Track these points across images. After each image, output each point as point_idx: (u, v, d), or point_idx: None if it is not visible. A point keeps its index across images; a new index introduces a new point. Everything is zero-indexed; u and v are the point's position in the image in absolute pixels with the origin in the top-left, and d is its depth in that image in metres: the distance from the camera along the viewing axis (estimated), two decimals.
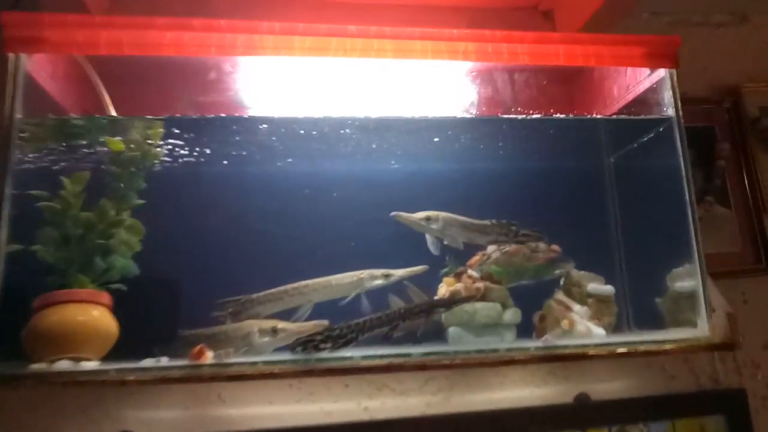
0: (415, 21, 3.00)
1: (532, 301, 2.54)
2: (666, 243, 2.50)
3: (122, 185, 2.11)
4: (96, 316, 1.98)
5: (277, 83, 2.67)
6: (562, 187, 2.81)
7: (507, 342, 2.40)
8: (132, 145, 2.14)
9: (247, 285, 2.44)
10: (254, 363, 1.92)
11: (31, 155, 2.13)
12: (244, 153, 2.60)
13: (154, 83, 2.54)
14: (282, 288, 2.35)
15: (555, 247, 2.56)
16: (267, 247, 2.61)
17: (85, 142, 2.20)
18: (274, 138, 2.57)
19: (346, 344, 2.08)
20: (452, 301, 2.33)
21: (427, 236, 2.42)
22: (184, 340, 2.29)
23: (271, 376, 1.92)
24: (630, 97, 2.66)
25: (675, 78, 2.45)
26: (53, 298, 1.95)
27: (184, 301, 2.41)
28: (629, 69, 2.69)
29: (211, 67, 2.54)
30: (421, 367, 2.00)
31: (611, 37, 2.48)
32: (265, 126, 2.52)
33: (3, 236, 1.94)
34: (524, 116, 2.56)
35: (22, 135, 2.01)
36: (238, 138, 2.52)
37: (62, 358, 1.87)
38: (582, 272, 2.55)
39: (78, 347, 1.90)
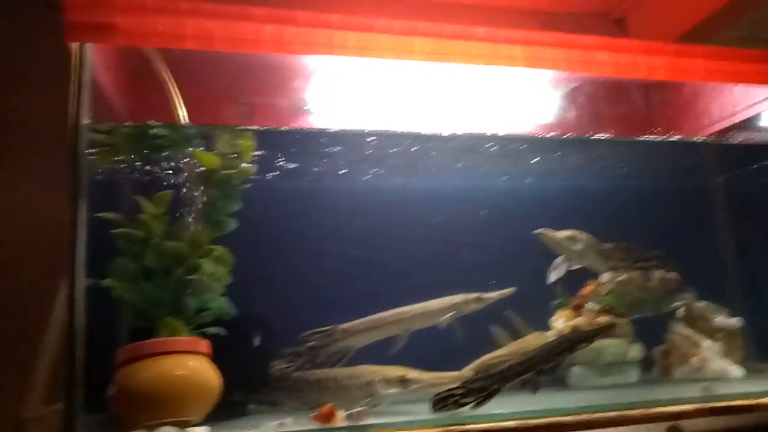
0: (482, 22, 2.72)
1: (643, 333, 2.31)
2: None
3: (217, 208, 1.73)
4: (197, 369, 1.60)
5: (358, 88, 2.34)
6: (667, 209, 2.60)
7: (630, 380, 2.17)
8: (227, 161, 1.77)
9: (332, 314, 2.12)
10: (397, 425, 1.59)
11: (99, 170, 1.73)
12: (334, 168, 2.26)
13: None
14: (378, 316, 2.05)
15: (673, 274, 2.34)
16: (352, 271, 2.29)
17: (163, 155, 1.81)
18: (367, 151, 2.24)
19: (489, 397, 1.77)
20: (593, 334, 2.04)
21: (560, 259, 2.16)
22: (277, 384, 1.94)
23: None
24: (738, 118, 2.47)
25: None
26: (144, 349, 1.57)
27: (269, 337, 2.04)
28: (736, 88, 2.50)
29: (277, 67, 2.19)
30: (586, 426, 1.71)
31: (725, 50, 2.28)
32: (355, 140, 2.19)
33: (80, 268, 1.55)
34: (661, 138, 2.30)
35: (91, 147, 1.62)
36: (327, 151, 2.18)
37: (164, 423, 1.49)
38: (704, 303, 2.33)
39: (180, 409, 1.53)
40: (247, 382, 1.90)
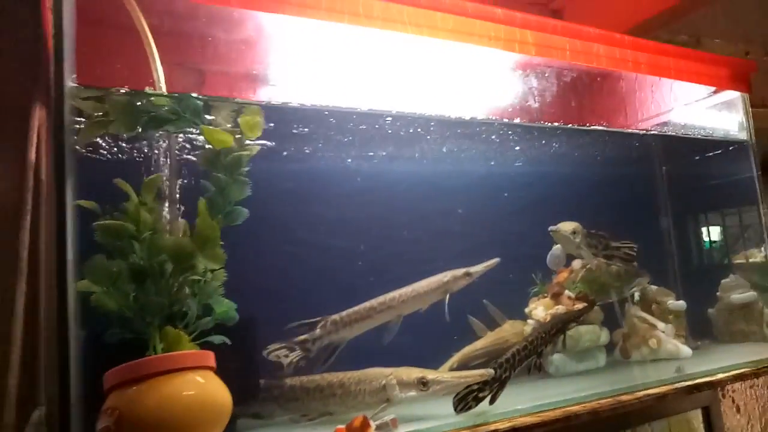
0: None
1: (607, 317, 2.42)
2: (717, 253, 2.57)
3: (226, 196, 1.47)
4: (207, 387, 1.37)
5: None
6: (614, 195, 2.72)
7: (600, 364, 2.28)
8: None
9: (319, 305, 1.96)
10: None
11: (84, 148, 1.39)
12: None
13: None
14: (368, 304, 1.94)
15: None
16: (334, 260, 2.13)
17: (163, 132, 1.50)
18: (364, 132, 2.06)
19: (502, 386, 1.77)
20: (580, 313, 2.12)
21: (555, 250, 2.16)
22: (275, 392, 1.75)
23: None
24: (676, 114, 2.65)
25: (748, 102, 2.48)
26: (146, 368, 1.30)
27: (252, 340, 1.82)
28: (674, 85, 2.67)
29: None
30: (594, 414, 1.75)
31: (680, 50, 2.43)
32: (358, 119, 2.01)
33: (70, 268, 1.24)
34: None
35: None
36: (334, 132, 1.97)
37: None
38: (655, 287, 2.50)
39: None
40: (240, 387, 1.67)
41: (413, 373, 1.67)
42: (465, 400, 1.67)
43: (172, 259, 1.41)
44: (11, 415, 1.19)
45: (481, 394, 1.70)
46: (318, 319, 1.90)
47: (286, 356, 1.83)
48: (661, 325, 2.37)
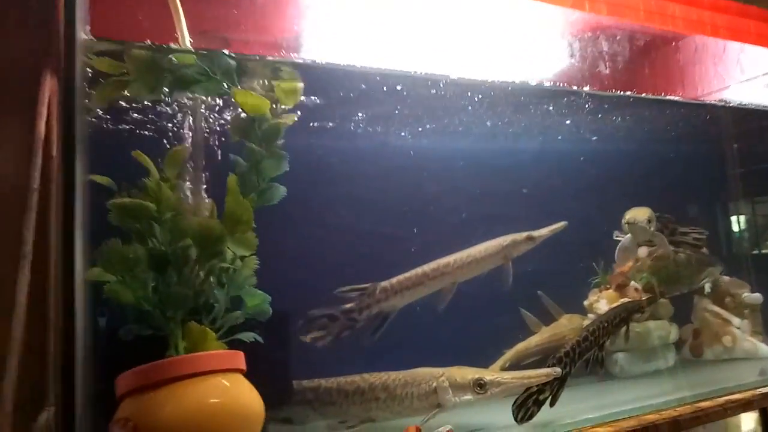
0: None
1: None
2: None
3: (261, 171, 1.27)
4: (235, 393, 1.18)
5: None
6: (681, 175, 2.46)
7: (669, 363, 2.04)
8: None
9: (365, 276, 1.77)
10: None
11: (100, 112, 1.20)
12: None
13: None
14: (420, 270, 1.78)
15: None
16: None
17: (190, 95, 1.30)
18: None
19: (562, 384, 1.56)
20: (646, 303, 1.91)
21: (626, 242, 1.92)
22: (309, 395, 1.56)
23: None
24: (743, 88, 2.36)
25: None
26: (167, 371, 1.12)
27: (283, 336, 1.63)
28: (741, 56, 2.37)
29: None
30: (674, 424, 1.52)
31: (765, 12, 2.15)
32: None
33: (78, 255, 1.06)
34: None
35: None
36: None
37: None
38: (727, 278, 2.24)
39: None
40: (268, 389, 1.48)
41: (468, 373, 1.46)
42: (525, 405, 1.46)
43: (198, 244, 1.22)
44: (6, 418, 1.01)
45: (541, 397, 1.49)
46: (366, 285, 1.73)
47: (325, 328, 1.67)
48: (736, 320, 2.13)
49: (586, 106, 2.02)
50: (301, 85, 1.37)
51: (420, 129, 2.04)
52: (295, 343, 1.64)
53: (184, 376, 1.13)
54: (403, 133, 2.04)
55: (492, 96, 1.88)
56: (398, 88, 1.77)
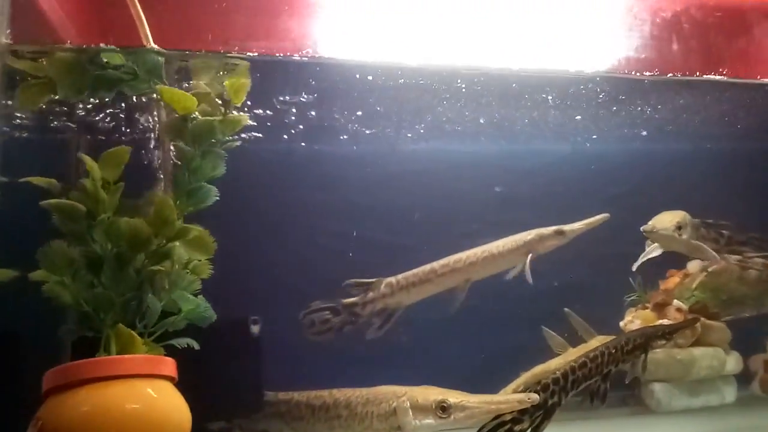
0: None
1: (740, 338, 1.83)
2: None
3: (192, 171, 1.24)
4: (156, 400, 1.14)
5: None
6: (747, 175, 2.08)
7: (727, 400, 1.71)
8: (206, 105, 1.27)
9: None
10: None
11: (26, 115, 1.24)
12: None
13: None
14: (428, 267, 1.68)
15: None
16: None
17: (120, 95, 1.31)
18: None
19: (548, 416, 1.33)
20: (674, 328, 1.60)
21: (650, 250, 1.67)
22: (282, 407, 1.49)
23: None
24: None
25: None
26: (80, 372, 1.10)
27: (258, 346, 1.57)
28: None
29: None
30: None
31: None
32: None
33: None
34: None
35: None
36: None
37: None
38: None
39: None
40: (231, 406, 1.43)
41: (432, 394, 1.31)
42: None
43: (129, 246, 1.21)
44: None
45: (517, 427, 1.28)
46: (371, 280, 1.67)
47: (327, 320, 1.61)
48: None
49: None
50: (248, 80, 1.32)
51: None
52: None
53: (101, 378, 1.11)
54: None
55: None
56: None
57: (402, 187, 1.89)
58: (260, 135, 1.80)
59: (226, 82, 1.33)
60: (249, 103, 1.69)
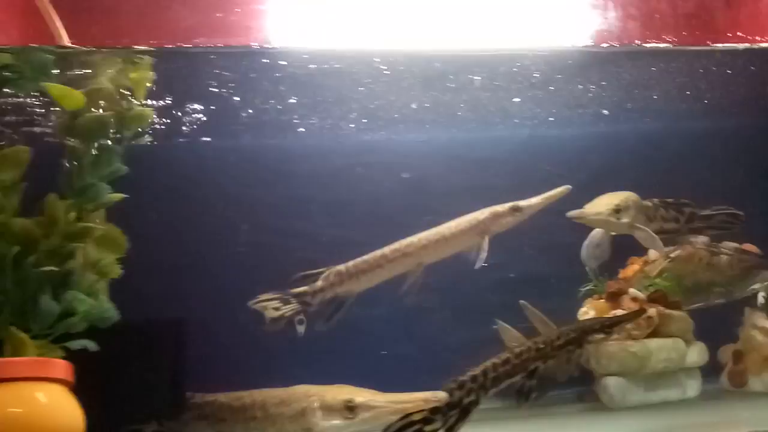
0: None
1: (710, 327, 1.71)
2: None
3: (82, 168, 1.20)
4: (45, 405, 1.11)
5: None
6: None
7: (689, 393, 1.59)
8: (101, 101, 1.24)
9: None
10: None
11: None
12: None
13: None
14: (378, 252, 1.61)
15: (749, 246, 1.72)
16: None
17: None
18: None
19: (463, 415, 1.25)
20: (613, 322, 1.48)
21: (593, 237, 1.57)
22: (206, 409, 1.45)
23: None
24: None
25: None
26: None
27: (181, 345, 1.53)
28: None
29: None
30: None
31: None
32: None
33: None
34: None
35: None
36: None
37: None
38: None
39: None
40: (153, 408, 1.40)
41: (341, 393, 1.25)
42: None
43: (21, 246, 1.18)
44: None
45: (428, 428, 1.20)
46: (320, 270, 1.62)
47: (277, 309, 1.56)
48: None
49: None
50: (150, 74, 1.28)
51: None
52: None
53: None
54: None
55: None
56: None
57: (348, 180, 1.83)
58: (201, 131, 1.78)
59: (130, 77, 1.30)
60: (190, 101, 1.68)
